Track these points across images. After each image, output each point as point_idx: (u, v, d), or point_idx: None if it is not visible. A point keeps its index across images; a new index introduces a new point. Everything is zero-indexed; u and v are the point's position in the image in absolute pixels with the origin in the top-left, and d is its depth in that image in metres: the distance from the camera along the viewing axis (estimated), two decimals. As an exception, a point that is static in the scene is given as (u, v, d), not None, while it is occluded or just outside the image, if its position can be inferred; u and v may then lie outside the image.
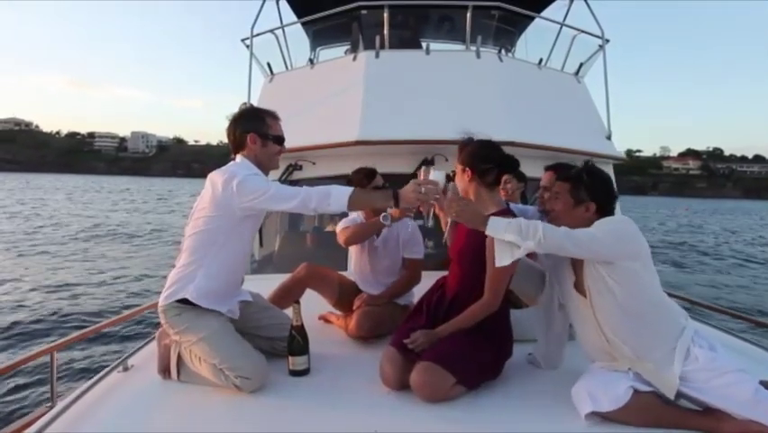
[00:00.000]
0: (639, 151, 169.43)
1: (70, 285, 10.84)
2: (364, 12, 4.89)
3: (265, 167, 2.38)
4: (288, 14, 6.17)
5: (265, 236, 5.06)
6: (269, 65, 5.50)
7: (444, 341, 2.16)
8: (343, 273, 3.20)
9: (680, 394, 1.86)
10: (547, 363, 2.43)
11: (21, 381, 5.66)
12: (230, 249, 2.27)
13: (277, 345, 2.45)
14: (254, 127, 2.34)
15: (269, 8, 5.87)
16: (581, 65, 5.39)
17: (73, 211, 30.04)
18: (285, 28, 5.69)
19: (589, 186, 2.08)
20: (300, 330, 2.34)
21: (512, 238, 1.87)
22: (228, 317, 2.34)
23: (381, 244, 3.08)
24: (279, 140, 2.41)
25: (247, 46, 5.31)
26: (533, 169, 4.30)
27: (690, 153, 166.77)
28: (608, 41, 5.19)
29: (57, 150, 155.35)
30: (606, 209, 2.08)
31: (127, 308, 7.93)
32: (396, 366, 2.15)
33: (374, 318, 2.77)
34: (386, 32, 4.77)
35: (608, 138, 5.04)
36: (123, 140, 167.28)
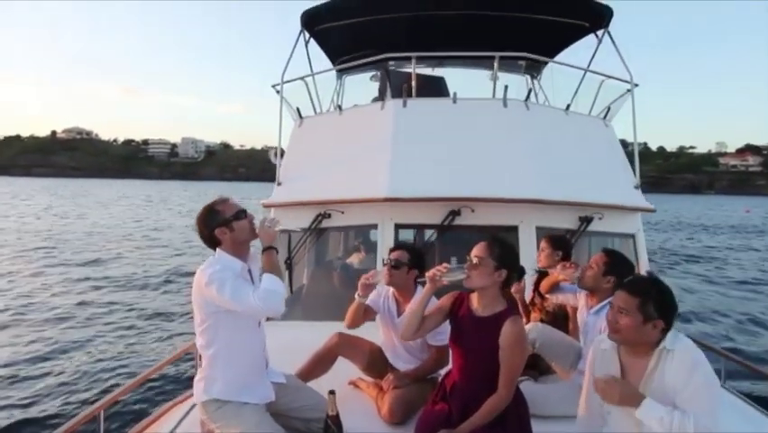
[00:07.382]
0: (693, 147, 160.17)
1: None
2: (392, 64, 4.97)
3: (248, 240, 2.46)
4: (315, 49, 6.19)
5: (294, 273, 4.92)
6: (298, 110, 5.57)
7: None
8: (374, 341, 3.22)
9: None
10: None
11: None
12: (239, 337, 2.40)
13: (311, 426, 2.51)
14: (214, 223, 2.40)
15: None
16: (609, 108, 5.32)
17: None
18: (313, 69, 5.78)
19: (658, 301, 1.90)
20: (335, 420, 2.34)
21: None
22: (265, 403, 2.46)
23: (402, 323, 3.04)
24: (240, 214, 2.43)
25: (277, 92, 5.38)
26: (559, 221, 4.32)
27: (749, 149, 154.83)
28: (636, 85, 5.08)
29: (114, 156, 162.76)
30: (669, 327, 1.93)
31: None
32: None
33: (406, 403, 2.80)
34: (413, 82, 4.83)
35: (637, 188, 4.90)
36: (174, 146, 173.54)
